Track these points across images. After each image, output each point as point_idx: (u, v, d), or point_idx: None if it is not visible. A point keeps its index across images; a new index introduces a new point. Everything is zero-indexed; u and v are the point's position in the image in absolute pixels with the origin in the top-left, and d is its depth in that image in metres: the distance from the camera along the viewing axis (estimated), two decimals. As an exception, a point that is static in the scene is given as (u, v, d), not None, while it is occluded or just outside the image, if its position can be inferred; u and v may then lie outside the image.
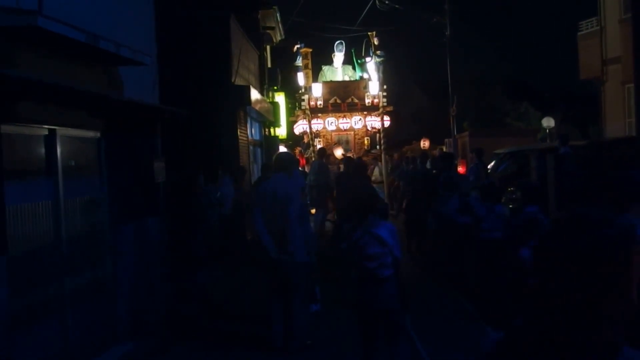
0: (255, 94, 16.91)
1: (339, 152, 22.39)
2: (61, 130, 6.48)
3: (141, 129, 8.22)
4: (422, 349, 7.05)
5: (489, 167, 16.59)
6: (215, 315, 9.41)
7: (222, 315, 9.44)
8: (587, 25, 24.54)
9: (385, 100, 24.66)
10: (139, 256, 8.18)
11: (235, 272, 11.60)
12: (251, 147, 18.63)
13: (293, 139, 28.14)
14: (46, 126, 6.31)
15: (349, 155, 20.98)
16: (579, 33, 24.98)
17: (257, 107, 17.50)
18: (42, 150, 6.36)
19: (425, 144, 23.29)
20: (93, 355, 6.98)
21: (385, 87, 25.04)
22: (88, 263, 7.26)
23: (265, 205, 7.73)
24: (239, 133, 16.01)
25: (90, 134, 7.30)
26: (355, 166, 13.60)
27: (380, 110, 24.23)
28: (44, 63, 6.13)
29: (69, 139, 6.75)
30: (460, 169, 18.09)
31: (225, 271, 11.57)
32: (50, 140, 6.37)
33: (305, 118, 25.01)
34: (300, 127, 26.31)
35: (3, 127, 5.31)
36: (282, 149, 22.92)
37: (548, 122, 27.44)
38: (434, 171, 14.62)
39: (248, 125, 17.95)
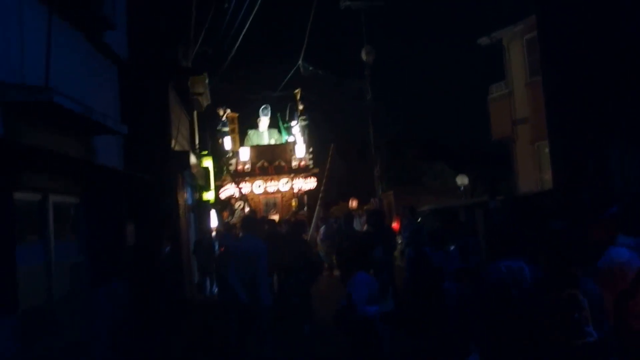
0: (192, 159, 17.40)
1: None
2: (53, 197, 6.85)
3: (111, 194, 8.64)
4: None
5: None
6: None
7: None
8: (497, 88, 26.09)
9: (311, 162, 25.52)
10: (111, 316, 8.49)
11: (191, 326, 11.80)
12: (186, 212, 18.92)
13: (220, 204, 28.42)
14: (40, 193, 6.68)
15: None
16: (490, 96, 26.48)
17: (194, 172, 17.95)
18: (36, 215, 6.71)
19: (353, 203, 24.08)
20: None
21: (311, 149, 25.93)
22: (73, 323, 7.53)
23: (238, 260, 8.66)
24: (178, 197, 16.35)
25: (72, 199, 7.67)
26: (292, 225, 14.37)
27: (311, 172, 25.06)
28: (40, 134, 6.53)
29: (57, 204, 7.11)
30: (395, 225, 18.87)
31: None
32: (43, 205, 6.74)
33: (232, 182, 25.44)
34: (227, 191, 26.68)
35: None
36: (213, 213, 23.29)
37: (462, 180, 28.71)
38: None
39: (185, 190, 18.30)
